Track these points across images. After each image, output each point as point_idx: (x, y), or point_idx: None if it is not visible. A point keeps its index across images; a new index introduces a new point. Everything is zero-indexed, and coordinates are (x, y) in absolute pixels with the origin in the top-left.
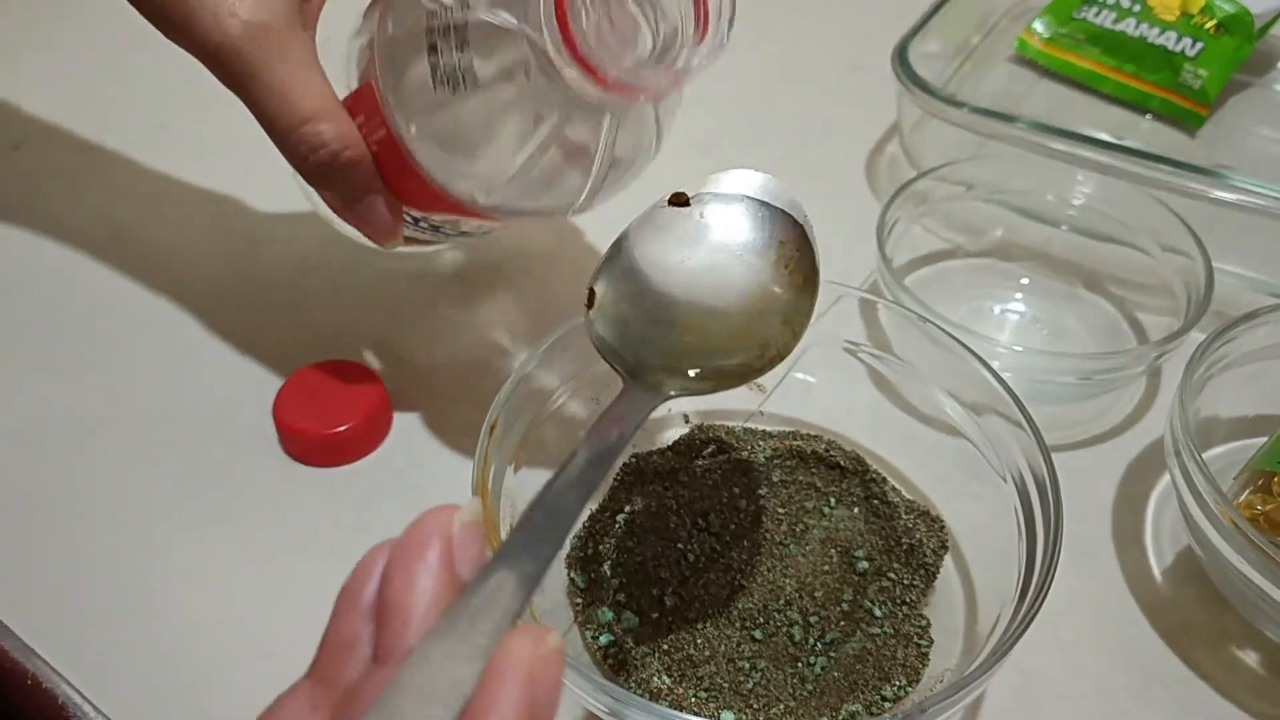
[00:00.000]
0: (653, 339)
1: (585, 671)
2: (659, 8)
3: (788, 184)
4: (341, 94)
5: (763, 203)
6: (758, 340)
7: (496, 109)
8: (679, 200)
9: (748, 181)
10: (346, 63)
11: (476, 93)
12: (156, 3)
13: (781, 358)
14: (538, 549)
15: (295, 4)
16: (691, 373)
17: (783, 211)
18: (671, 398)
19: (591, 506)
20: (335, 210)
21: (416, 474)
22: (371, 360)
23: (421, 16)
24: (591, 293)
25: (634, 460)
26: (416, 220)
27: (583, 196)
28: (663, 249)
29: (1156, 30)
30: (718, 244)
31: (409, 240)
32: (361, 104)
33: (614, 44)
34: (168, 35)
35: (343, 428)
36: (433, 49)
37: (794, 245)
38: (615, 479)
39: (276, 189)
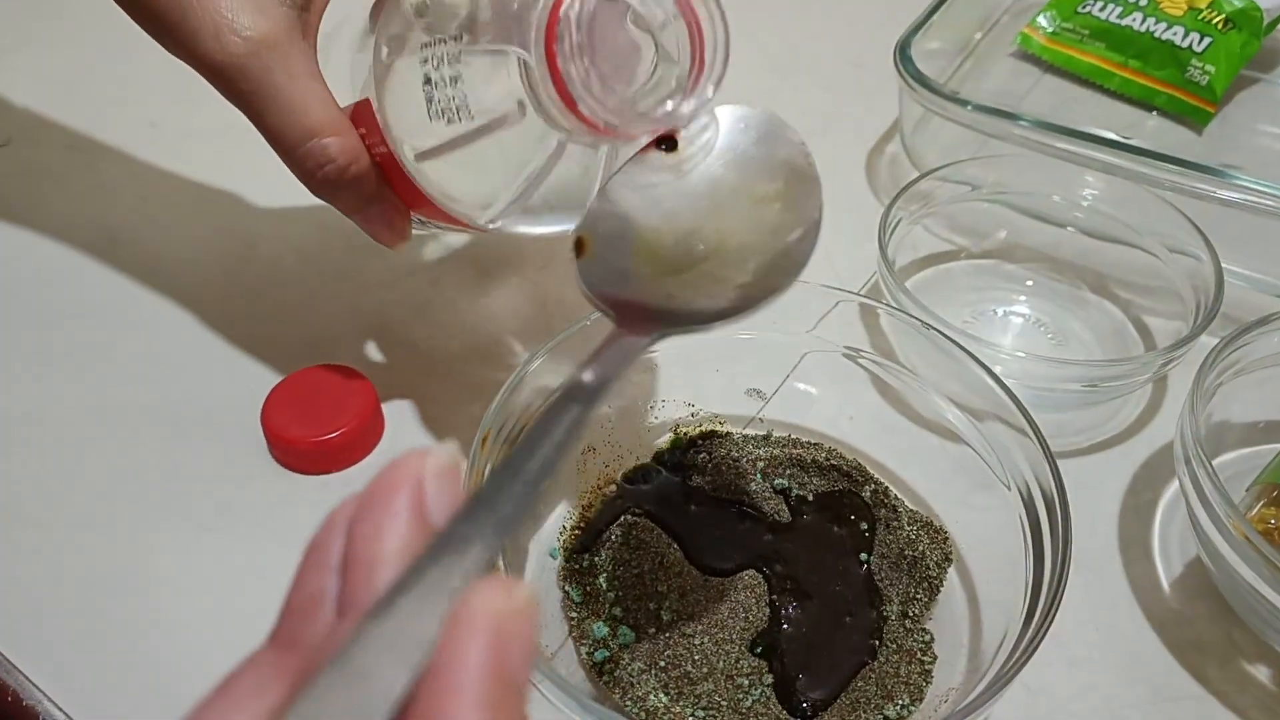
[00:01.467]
0: (643, 275)
1: (572, 691)
2: (658, 40)
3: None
4: (345, 99)
5: (755, 124)
6: (753, 263)
7: (492, 141)
8: (668, 145)
9: (730, 114)
10: (350, 71)
11: (471, 125)
12: (158, 20)
13: (780, 285)
14: (515, 491)
15: (295, 16)
16: (684, 304)
17: (773, 133)
18: (664, 336)
19: (586, 516)
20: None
21: None
22: (363, 364)
23: (416, 48)
24: (579, 240)
25: (632, 470)
26: (424, 222)
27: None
28: (648, 183)
29: (1163, 25)
30: (704, 172)
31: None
32: (364, 118)
33: (604, 91)
34: (171, 51)
35: (333, 434)
36: (427, 80)
37: (788, 166)
38: (613, 491)
39: (267, 188)
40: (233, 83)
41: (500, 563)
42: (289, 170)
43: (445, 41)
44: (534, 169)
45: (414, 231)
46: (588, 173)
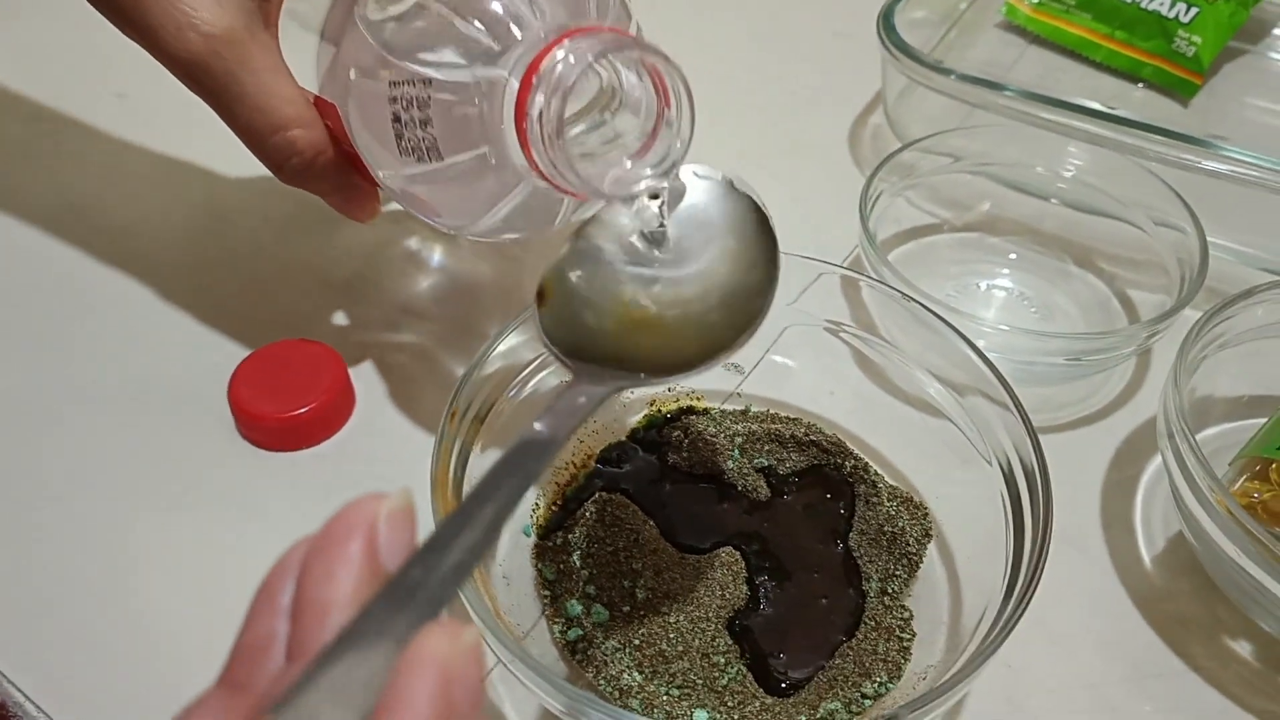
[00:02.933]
0: (601, 327)
1: (543, 671)
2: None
3: (749, 172)
4: (309, 77)
5: (715, 185)
6: (711, 319)
7: (460, 180)
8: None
9: (700, 171)
10: (315, 53)
11: (441, 164)
12: (119, 13)
13: (736, 342)
14: (468, 536)
15: (254, 8)
16: (641, 357)
17: (737, 193)
18: (619, 390)
19: (560, 494)
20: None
21: (381, 458)
22: (333, 338)
23: (384, 84)
24: (541, 289)
25: (607, 448)
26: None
27: (554, 228)
28: (613, 242)
29: None
30: (672, 235)
31: None
32: (331, 112)
33: (570, 172)
34: (138, 43)
35: (302, 410)
36: (396, 119)
37: (751, 225)
38: (593, 464)
39: (237, 161)
40: (195, 78)
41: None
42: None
43: (414, 83)
44: (502, 199)
45: (384, 209)
46: (555, 199)
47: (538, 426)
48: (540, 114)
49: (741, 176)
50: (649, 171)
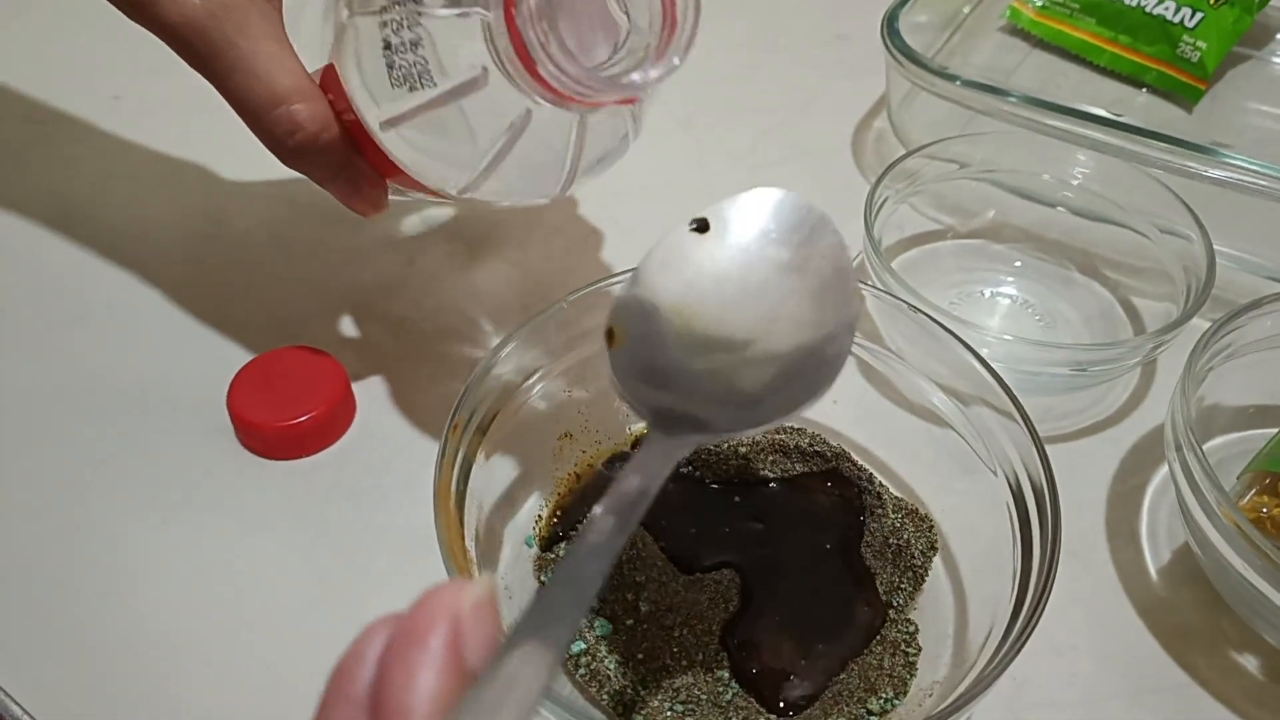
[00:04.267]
0: (680, 379)
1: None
2: (630, 11)
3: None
4: (314, 65)
5: (787, 217)
6: (790, 361)
7: (457, 109)
8: (700, 226)
9: (767, 199)
10: (319, 36)
11: (435, 92)
12: None
13: (820, 385)
14: (557, 629)
15: None
16: (722, 412)
17: (808, 222)
18: (702, 443)
19: (562, 505)
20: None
21: (382, 467)
22: (333, 345)
23: (376, 10)
24: (610, 331)
25: (610, 458)
26: (400, 191)
27: (558, 188)
28: (684, 279)
29: (1154, 0)
30: (737, 259)
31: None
32: (332, 83)
33: (565, 56)
34: (128, 15)
35: (302, 418)
36: (387, 46)
37: (824, 259)
38: (590, 479)
39: (235, 162)
40: (192, 46)
41: (474, 553)
42: (257, 139)
43: (404, 3)
44: (501, 138)
45: (391, 198)
46: (557, 144)
47: (622, 487)
48: None
49: (818, 207)
50: (655, 70)
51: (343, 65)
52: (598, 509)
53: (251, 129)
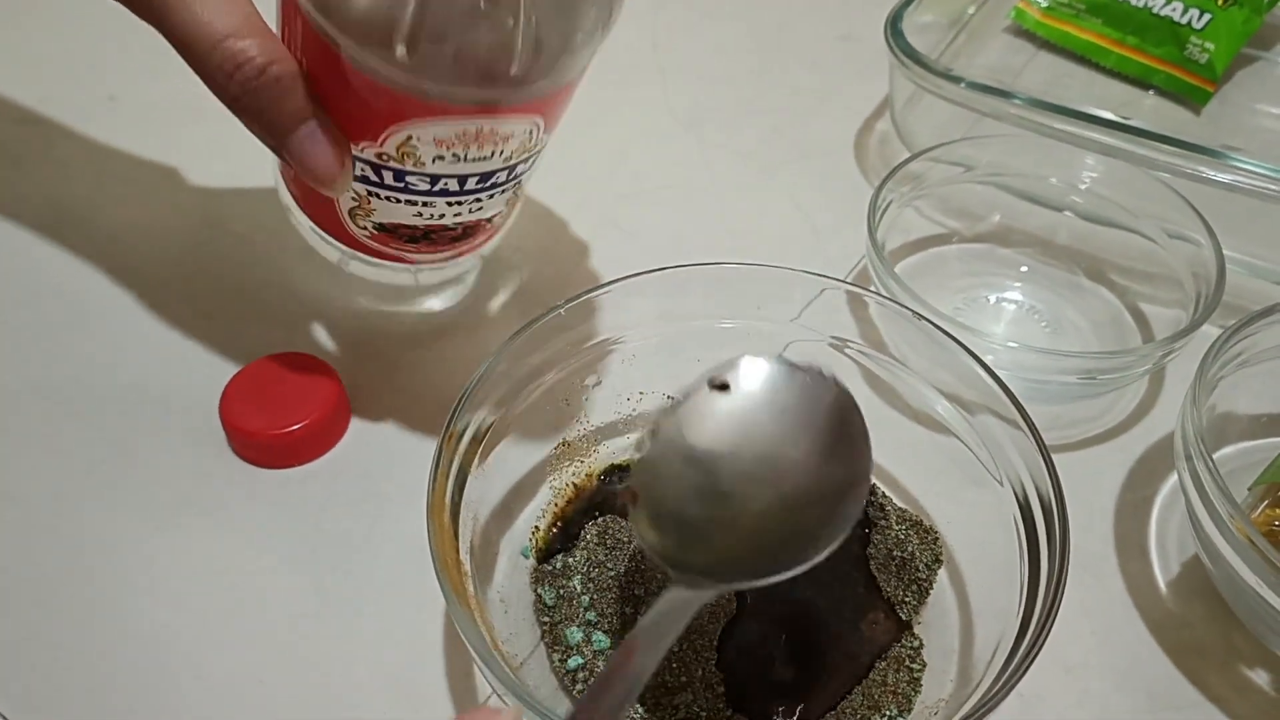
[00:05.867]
0: (701, 535)
1: (536, 705)
2: None
3: (752, 178)
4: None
5: (803, 377)
6: (807, 516)
7: None
8: (718, 385)
9: (784, 364)
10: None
11: None
12: None
13: (833, 536)
14: None
15: None
16: (742, 566)
17: (828, 385)
18: (722, 591)
19: (560, 515)
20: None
21: (376, 476)
22: (327, 352)
23: None
24: (633, 492)
25: (609, 467)
26: (371, 172)
27: (515, 67)
28: (705, 439)
29: (1162, 0)
30: (753, 419)
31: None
32: (285, 16)
33: None
34: None
35: (295, 427)
36: None
37: (835, 417)
38: (589, 489)
39: (229, 166)
40: None
41: (469, 565)
42: (204, 85)
43: None
44: None
45: (354, 184)
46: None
47: (640, 636)
48: None
49: (831, 366)
50: None
51: None
52: (613, 663)
53: (198, 72)
